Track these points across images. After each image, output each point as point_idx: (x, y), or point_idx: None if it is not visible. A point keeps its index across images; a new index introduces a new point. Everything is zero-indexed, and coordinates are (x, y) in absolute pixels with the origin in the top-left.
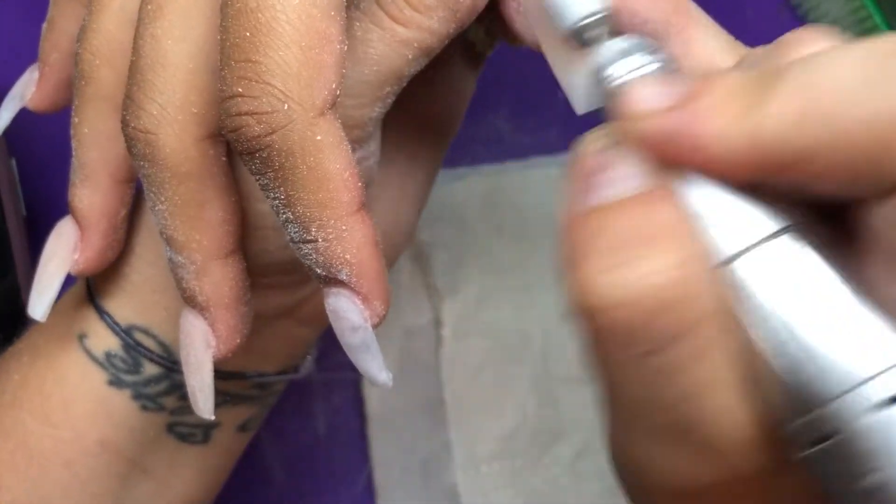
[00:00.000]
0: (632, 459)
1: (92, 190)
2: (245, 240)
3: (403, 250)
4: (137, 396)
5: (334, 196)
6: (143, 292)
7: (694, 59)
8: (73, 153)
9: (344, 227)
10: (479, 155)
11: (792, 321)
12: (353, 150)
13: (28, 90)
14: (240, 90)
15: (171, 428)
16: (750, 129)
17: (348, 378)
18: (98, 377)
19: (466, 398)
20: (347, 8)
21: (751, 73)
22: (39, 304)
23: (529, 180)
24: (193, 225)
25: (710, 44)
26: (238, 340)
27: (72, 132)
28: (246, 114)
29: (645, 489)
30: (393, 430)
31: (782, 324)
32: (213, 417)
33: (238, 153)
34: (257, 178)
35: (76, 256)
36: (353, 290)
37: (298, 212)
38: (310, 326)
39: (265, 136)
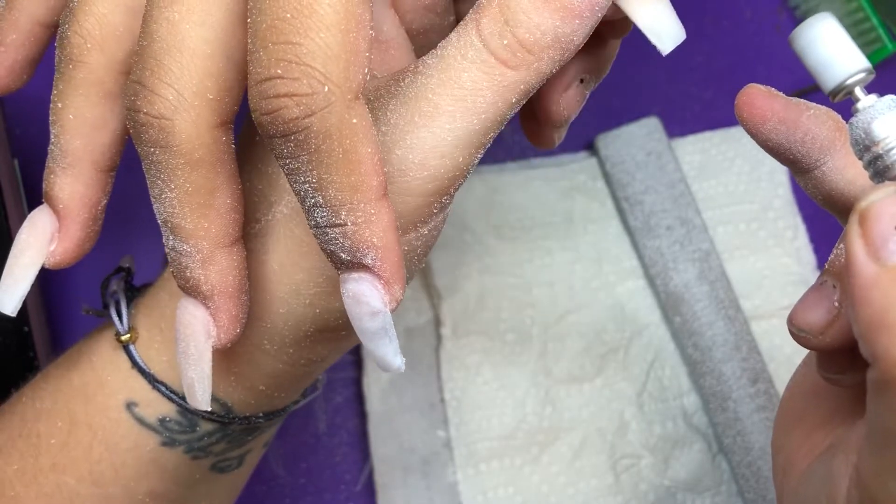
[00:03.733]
0: None
1: (74, 179)
2: (333, 300)
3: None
4: (190, 451)
5: (365, 180)
6: None
7: (857, 170)
8: (54, 140)
9: (373, 211)
10: None
11: None
12: (452, 194)
13: None
14: (279, 72)
15: (213, 466)
16: None
17: (349, 377)
18: (151, 440)
19: (466, 397)
20: (454, 57)
21: None
22: (10, 297)
23: (529, 180)
24: (203, 212)
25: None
26: (238, 330)
27: (52, 118)
28: (285, 95)
29: None
30: (393, 428)
31: None
32: (209, 408)
33: (269, 136)
34: (286, 160)
35: (53, 248)
36: (375, 274)
37: (330, 195)
38: (344, 352)
39: (304, 118)
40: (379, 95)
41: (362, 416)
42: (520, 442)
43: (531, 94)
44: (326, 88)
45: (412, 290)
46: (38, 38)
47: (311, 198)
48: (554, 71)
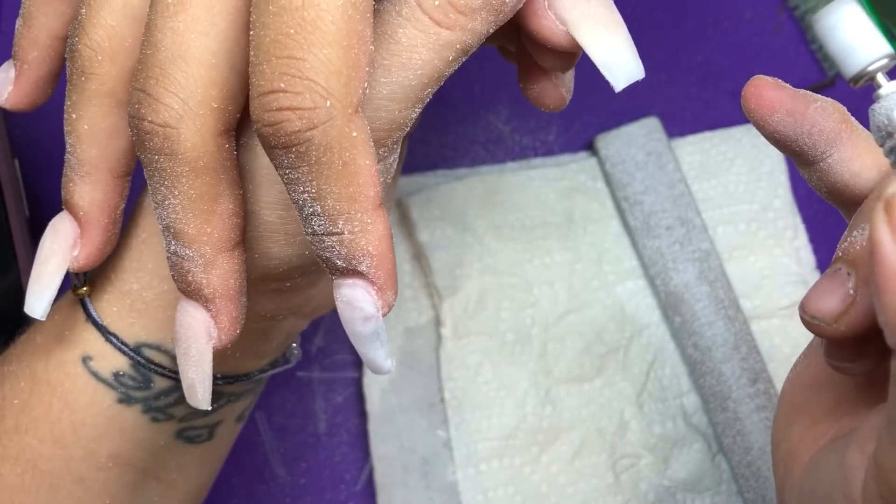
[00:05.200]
0: None
1: (92, 186)
2: (271, 245)
3: None
4: (148, 410)
5: (363, 190)
6: (155, 309)
7: (862, 163)
8: (70, 149)
9: (369, 221)
10: (478, 156)
11: None
12: (393, 149)
13: (5, 90)
14: (282, 86)
15: (179, 433)
16: None
17: (349, 377)
18: (107, 396)
19: (466, 397)
20: (390, 13)
21: None
22: (40, 302)
23: (529, 180)
24: (206, 218)
25: (872, 152)
26: (238, 331)
27: (67, 128)
28: (287, 109)
29: None
30: (393, 428)
31: None
32: (210, 408)
33: (270, 147)
34: (287, 171)
35: (76, 253)
36: (369, 280)
37: (328, 205)
38: (308, 319)
39: (306, 130)
40: None
41: (362, 416)
42: (520, 442)
43: (471, 52)
44: (328, 103)
45: (412, 290)
46: (56, 51)
47: (310, 207)
48: (491, 30)
